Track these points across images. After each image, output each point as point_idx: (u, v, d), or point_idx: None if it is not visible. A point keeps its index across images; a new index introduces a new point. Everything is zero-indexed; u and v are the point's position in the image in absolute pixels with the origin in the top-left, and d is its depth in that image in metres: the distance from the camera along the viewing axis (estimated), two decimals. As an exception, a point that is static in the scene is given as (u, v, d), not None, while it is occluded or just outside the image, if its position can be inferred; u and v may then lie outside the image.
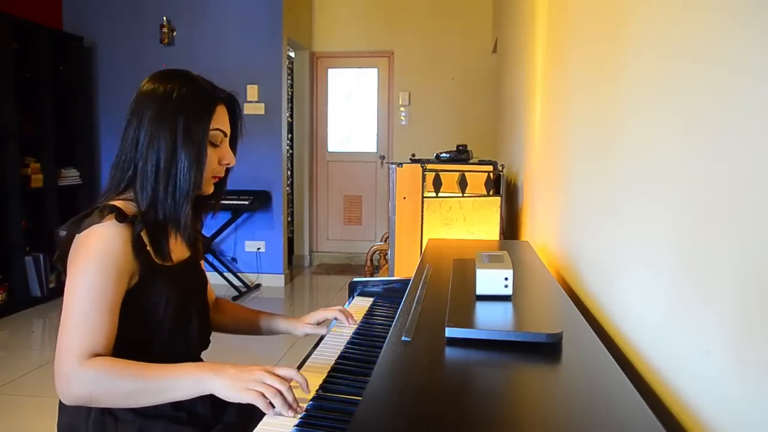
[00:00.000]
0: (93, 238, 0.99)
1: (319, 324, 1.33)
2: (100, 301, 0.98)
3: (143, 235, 1.05)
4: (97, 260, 0.98)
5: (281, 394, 0.91)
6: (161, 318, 1.07)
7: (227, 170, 1.20)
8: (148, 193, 1.06)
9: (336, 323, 1.35)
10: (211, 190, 1.16)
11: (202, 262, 1.32)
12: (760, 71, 0.55)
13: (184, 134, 1.05)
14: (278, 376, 0.93)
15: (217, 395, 0.93)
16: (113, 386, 0.94)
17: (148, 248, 1.06)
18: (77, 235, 1.01)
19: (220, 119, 1.11)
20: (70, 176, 4.59)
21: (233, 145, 1.20)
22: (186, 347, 1.15)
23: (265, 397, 0.90)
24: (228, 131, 1.15)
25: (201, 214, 1.26)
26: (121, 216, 1.01)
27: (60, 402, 1.11)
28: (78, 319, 0.96)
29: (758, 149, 0.55)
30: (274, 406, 0.90)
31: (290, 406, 0.91)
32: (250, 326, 1.37)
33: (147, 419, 1.06)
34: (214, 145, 1.11)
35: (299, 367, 1.09)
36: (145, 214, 1.06)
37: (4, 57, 3.85)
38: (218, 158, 1.13)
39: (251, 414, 1.14)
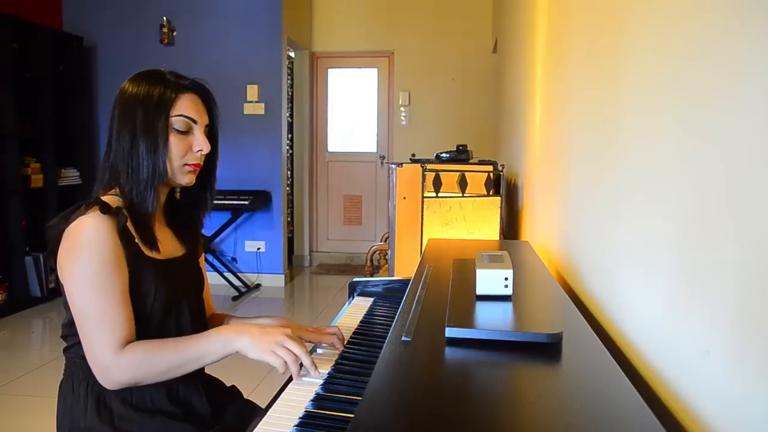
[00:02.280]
0: (81, 231, 1.02)
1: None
2: (111, 292, 1.02)
3: (130, 226, 1.07)
4: (92, 254, 1.01)
5: (299, 361, 1.01)
6: (149, 310, 1.09)
7: (210, 162, 1.19)
8: (123, 186, 1.10)
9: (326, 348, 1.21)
10: (189, 180, 1.15)
11: (202, 262, 1.31)
12: (760, 71, 0.55)
13: (142, 125, 1.08)
14: (298, 341, 1.03)
15: (242, 353, 1.02)
16: (153, 367, 1.02)
17: (136, 240, 1.08)
18: (66, 229, 1.03)
19: (185, 107, 1.11)
20: (70, 176, 4.59)
21: (213, 133, 1.19)
22: None
23: (284, 362, 1.01)
24: (201, 119, 1.14)
25: (198, 212, 1.25)
26: (105, 208, 1.03)
27: (59, 396, 1.12)
28: (97, 315, 1.01)
29: (758, 148, 0.55)
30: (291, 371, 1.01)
31: (308, 370, 1.02)
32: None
33: (144, 413, 1.07)
34: (181, 132, 1.11)
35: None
36: (128, 207, 1.09)
37: (4, 57, 3.85)
38: (188, 145, 1.12)
39: (250, 416, 1.14)
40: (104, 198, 1.08)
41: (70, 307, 1.04)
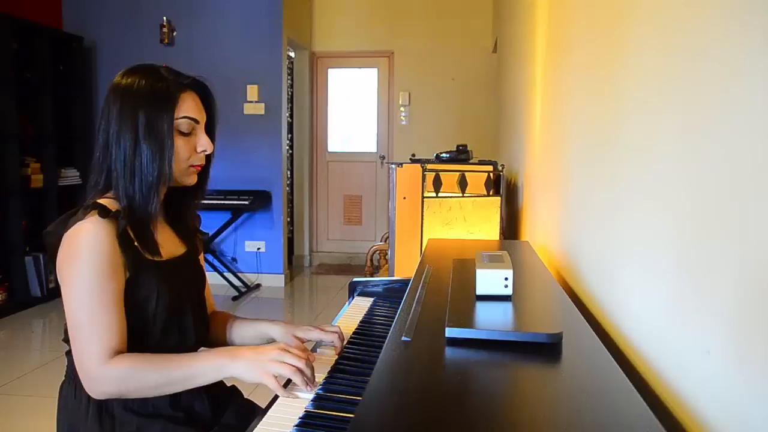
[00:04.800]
0: (79, 237, 1.00)
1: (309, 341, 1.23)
2: (104, 299, 0.99)
3: (129, 230, 1.05)
4: (89, 259, 0.99)
5: (300, 371, 0.98)
6: (153, 313, 1.07)
7: (208, 158, 1.17)
8: (123, 190, 1.06)
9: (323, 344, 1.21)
10: (192, 180, 1.14)
11: (202, 259, 1.30)
12: (761, 71, 0.55)
13: (145, 128, 1.05)
14: (294, 353, 0.99)
15: (238, 379, 0.99)
16: (140, 381, 1.00)
17: (135, 243, 1.06)
18: (64, 234, 1.02)
19: (188, 107, 1.09)
20: (70, 176, 4.59)
21: (211, 131, 1.17)
22: (181, 343, 1.13)
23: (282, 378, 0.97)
24: (202, 118, 1.12)
25: (192, 209, 1.24)
26: (104, 212, 1.01)
27: (59, 401, 1.12)
28: (88, 322, 0.99)
29: (759, 148, 0.55)
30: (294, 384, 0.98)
31: (308, 382, 0.98)
32: (243, 335, 1.28)
33: (145, 418, 1.06)
34: (185, 134, 1.09)
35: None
36: (127, 210, 1.06)
37: (4, 57, 3.85)
38: (192, 146, 1.11)
39: (250, 415, 1.14)
40: (102, 201, 1.05)
41: (65, 313, 1.02)
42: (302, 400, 0.97)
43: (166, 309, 1.09)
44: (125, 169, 1.06)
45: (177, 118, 1.07)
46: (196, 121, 1.11)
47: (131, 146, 1.05)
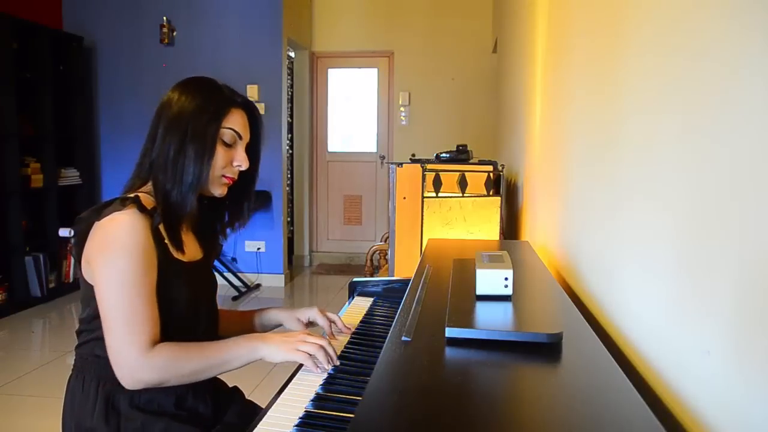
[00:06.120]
0: (117, 227, 1.02)
1: (310, 322, 1.31)
2: (143, 291, 1.03)
3: (161, 228, 1.08)
4: (127, 252, 1.01)
5: (324, 349, 1.08)
6: (174, 311, 1.09)
7: (249, 178, 1.22)
8: (161, 185, 1.10)
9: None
10: (221, 192, 1.17)
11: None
12: (761, 71, 0.55)
13: (193, 131, 1.10)
14: (317, 335, 1.11)
15: (267, 359, 1.07)
16: (180, 369, 1.04)
17: (166, 241, 1.09)
18: (97, 223, 1.04)
19: (235, 121, 1.14)
20: (70, 176, 4.59)
21: (254, 152, 1.21)
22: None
23: (310, 356, 1.07)
24: (245, 136, 1.17)
25: (226, 222, 1.27)
26: (141, 207, 1.05)
27: (67, 392, 1.13)
28: (128, 313, 1.02)
29: (759, 148, 0.55)
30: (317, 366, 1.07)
31: (331, 359, 1.09)
32: (246, 326, 1.34)
33: (150, 415, 1.08)
34: (227, 145, 1.14)
35: (298, 368, 1.10)
36: (161, 207, 1.09)
37: (4, 57, 3.85)
38: (230, 159, 1.15)
39: (251, 416, 1.14)
40: (138, 194, 1.09)
41: (98, 304, 1.03)
42: (302, 399, 0.97)
43: (185, 309, 1.12)
44: (167, 165, 1.10)
45: (223, 127, 1.13)
46: (240, 137, 1.16)
47: (177, 145, 1.10)
